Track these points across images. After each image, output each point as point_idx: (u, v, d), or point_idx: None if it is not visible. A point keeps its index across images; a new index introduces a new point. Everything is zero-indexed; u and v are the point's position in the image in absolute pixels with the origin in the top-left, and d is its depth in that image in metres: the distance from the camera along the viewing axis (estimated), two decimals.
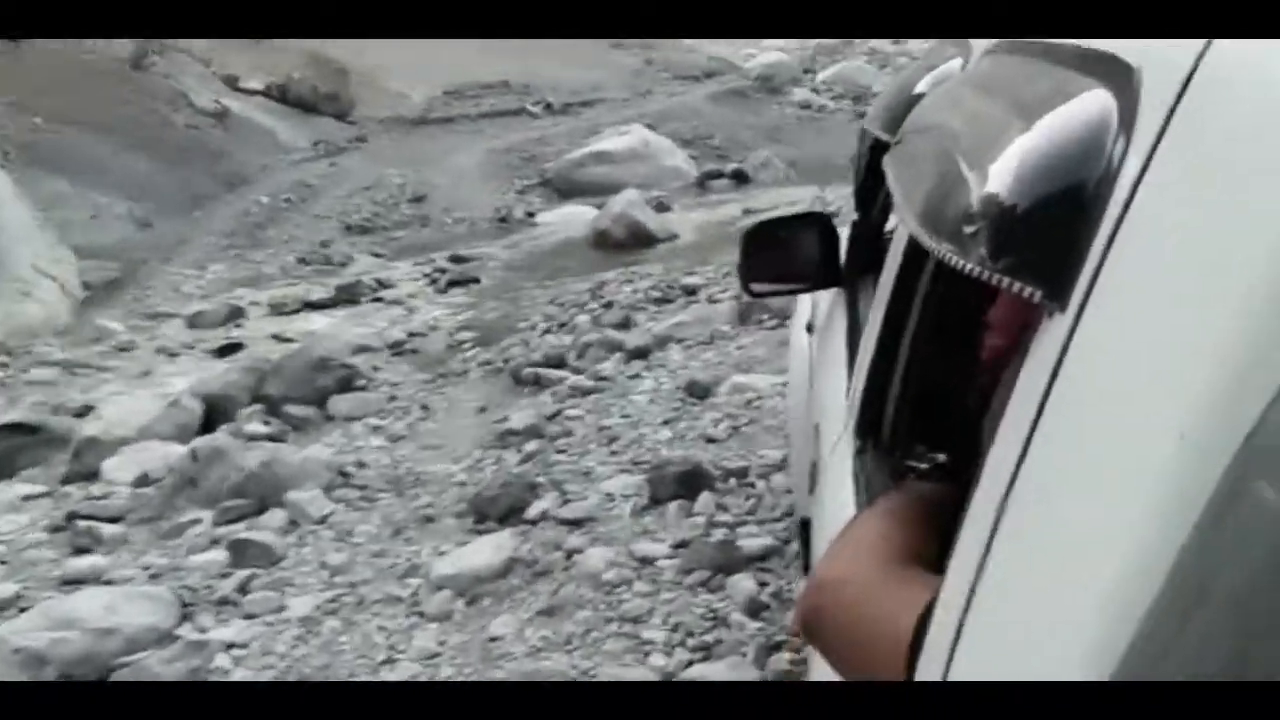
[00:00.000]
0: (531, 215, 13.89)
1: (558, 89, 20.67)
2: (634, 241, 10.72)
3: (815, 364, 2.47)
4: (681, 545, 3.63)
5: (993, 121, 0.85)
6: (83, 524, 4.89)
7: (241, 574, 4.15)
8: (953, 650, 0.68)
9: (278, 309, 10.56)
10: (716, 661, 3.03)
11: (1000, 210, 0.72)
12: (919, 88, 1.47)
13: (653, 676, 3.01)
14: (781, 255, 2.42)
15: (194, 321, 10.04)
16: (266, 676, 3.40)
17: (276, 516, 4.81)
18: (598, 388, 5.67)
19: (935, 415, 1.35)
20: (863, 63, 19.24)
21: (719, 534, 3.69)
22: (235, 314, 10.38)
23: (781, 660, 2.93)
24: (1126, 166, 0.61)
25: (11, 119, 14.53)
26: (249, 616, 3.84)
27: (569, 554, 3.74)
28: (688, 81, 20.37)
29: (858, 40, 22.36)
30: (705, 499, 3.91)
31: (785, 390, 4.94)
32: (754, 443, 4.46)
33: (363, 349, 8.01)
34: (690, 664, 3.05)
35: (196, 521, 4.84)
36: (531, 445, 4.96)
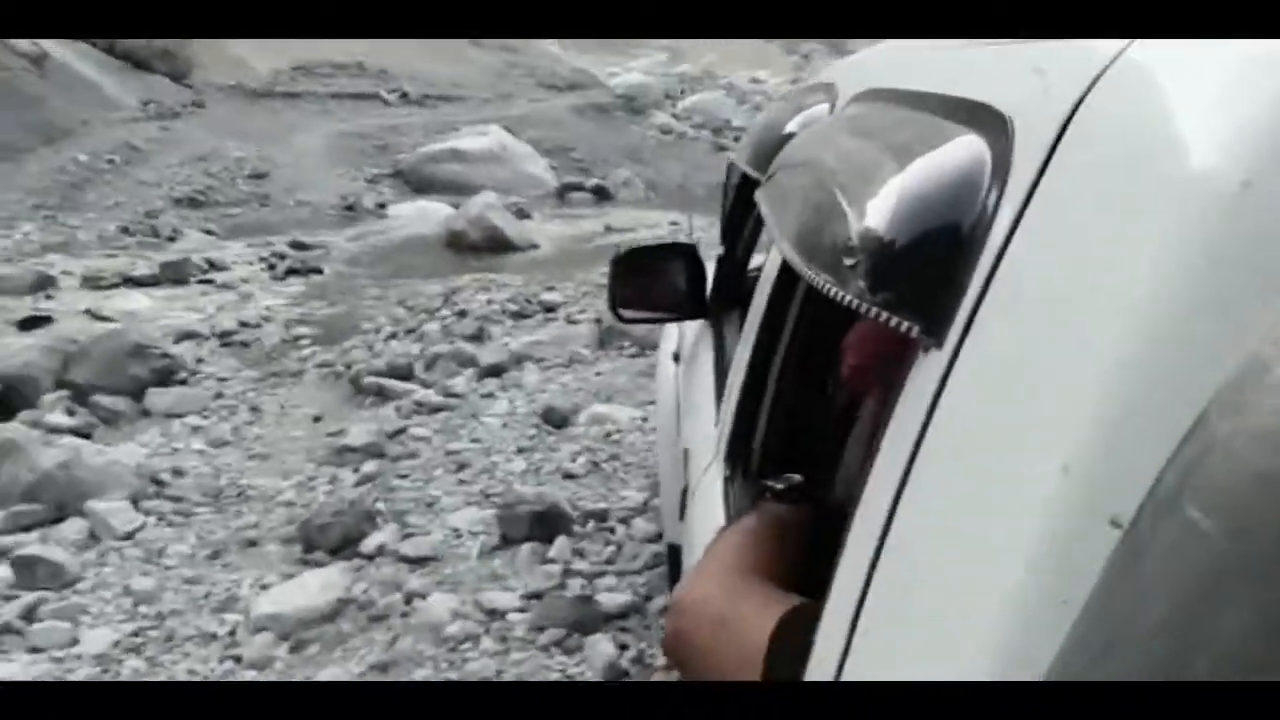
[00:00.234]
0: (382, 206, 13.34)
1: (415, 79, 20.06)
2: (491, 247, 10.40)
3: (683, 392, 2.48)
4: (534, 596, 3.38)
5: (869, 161, 0.85)
6: None
7: (28, 597, 3.63)
8: None
9: (94, 282, 9.68)
10: None
11: (878, 246, 0.72)
12: (789, 127, 1.48)
13: None
14: (651, 283, 2.44)
15: None
16: None
17: (75, 528, 4.28)
18: (447, 405, 5.35)
19: (800, 442, 1.40)
20: (722, 95, 19.63)
21: (575, 585, 3.46)
22: (45, 282, 9.46)
23: None
24: (1003, 208, 0.63)
25: None
26: (33, 650, 3.34)
27: (409, 598, 3.44)
28: (551, 90, 20.17)
29: (719, 72, 22.78)
30: (561, 544, 3.68)
31: (647, 425, 4.80)
32: (614, 481, 4.26)
33: (188, 335, 7.41)
34: None
35: None
36: (371, 465, 4.60)
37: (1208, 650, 0.33)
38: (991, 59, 0.81)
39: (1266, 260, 0.47)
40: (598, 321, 6.47)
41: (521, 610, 3.33)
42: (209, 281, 9.74)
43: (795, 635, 0.78)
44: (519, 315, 7.04)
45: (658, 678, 2.92)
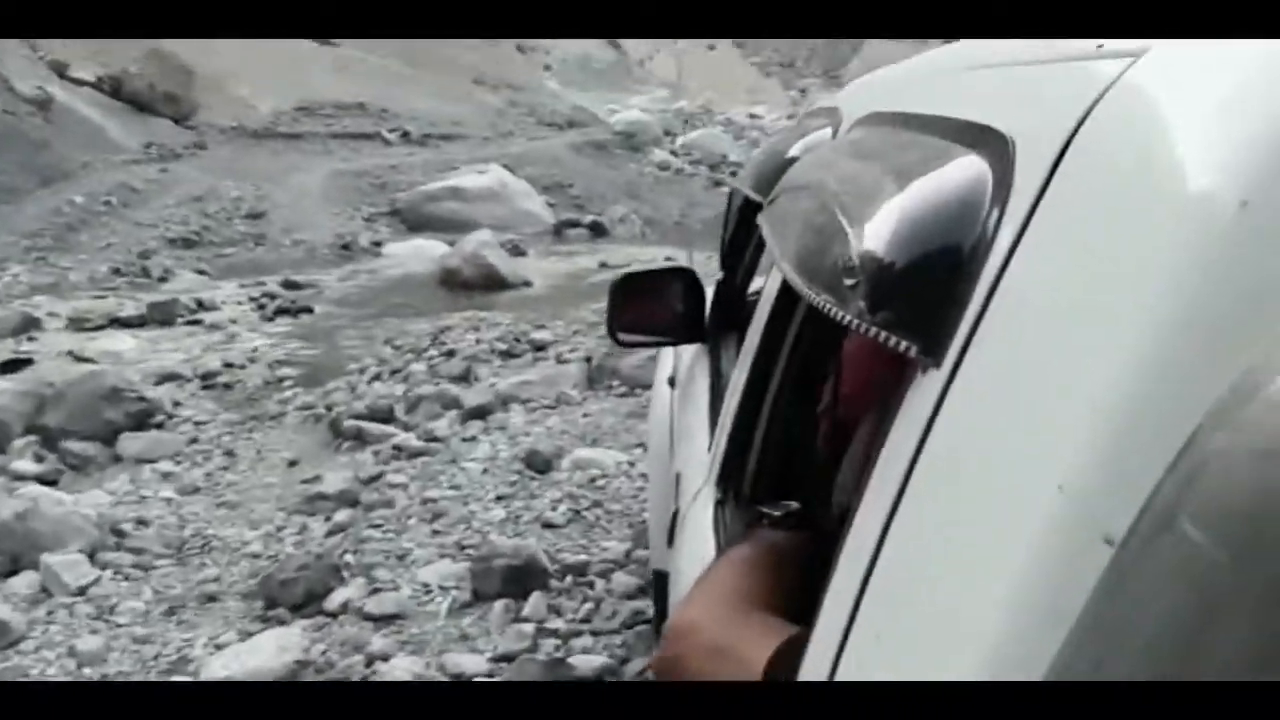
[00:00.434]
0: (378, 244, 13.19)
1: (417, 119, 20.04)
2: (484, 284, 10.21)
3: (677, 416, 2.50)
4: (504, 659, 3.12)
5: (871, 183, 0.85)
6: None
7: None
8: None
9: (79, 323, 9.51)
10: None
11: (878, 266, 0.72)
12: (791, 152, 1.48)
13: None
14: (649, 307, 2.45)
15: None
16: None
17: (26, 581, 4.05)
18: (427, 450, 5.11)
19: (794, 468, 1.39)
20: (720, 131, 19.61)
21: (549, 645, 3.21)
22: (29, 324, 9.29)
23: None
24: (1004, 229, 0.63)
25: None
26: None
27: (370, 660, 3.18)
28: (550, 128, 20.13)
29: (716, 109, 22.82)
30: (536, 600, 3.42)
31: (633, 470, 4.56)
32: (596, 531, 4.01)
33: (169, 377, 7.21)
34: None
35: None
36: (343, 514, 4.36)
37: (1202, 664, 0.33)
38: (993, 82, 0.82)
39: (1264, 279, 0.47)
40: (588, 360, 6.25)
41: (489, 675, 3.07)
42: (197, 322, 9.56)
43: (792, 665, 0.76)
44: (508, 354, 6.81)
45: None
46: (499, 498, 4.38)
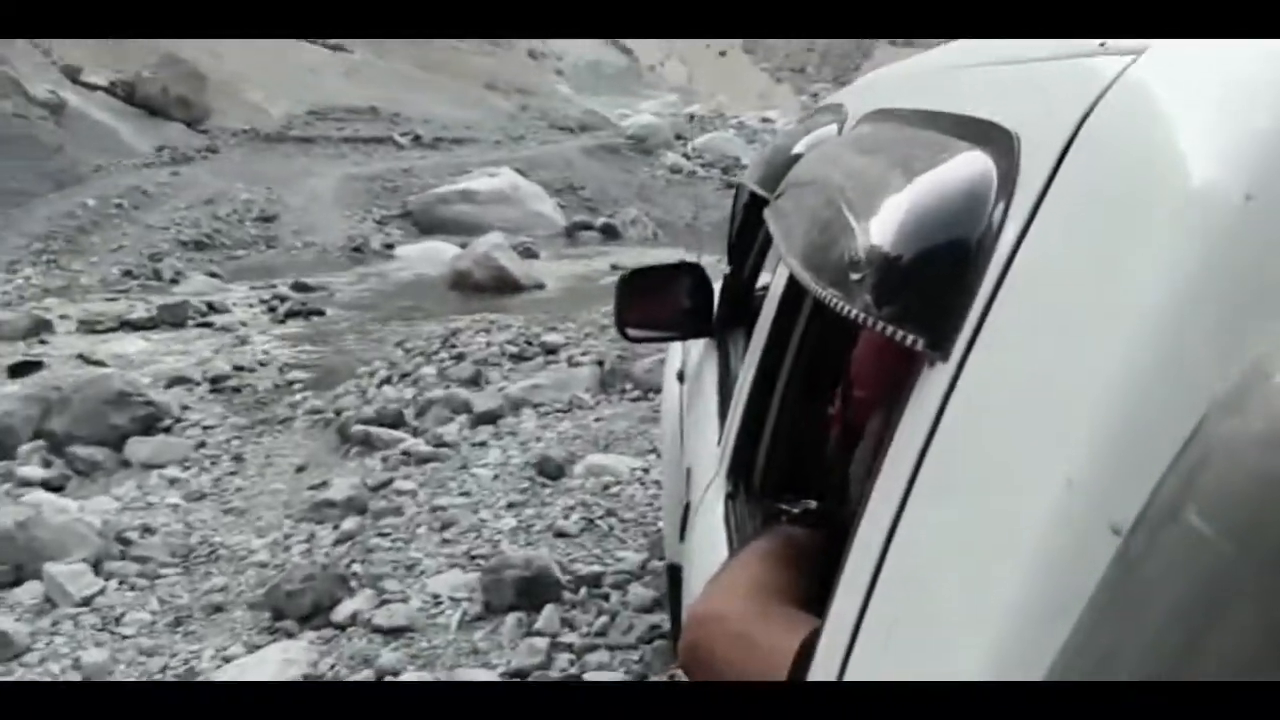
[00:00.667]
0: (389, 247, 13.15)
1: (429, 122, 20.02)
2: (495, 286, 10.14)
3: (687, 411, 2.49)
4: (517, 675, 3.02)
5: (877, 177, 0.86)
6: None
7: None
8: None
9: (90, 326, 9.48)
10: None
11: (885, 260, 0.72)
12: (797, 148, 1.49)
13: None
14: (657, 302, 2.46)
15: None
16: None
17: (31, 592, 3.98)
18: (436, 455, 5.02)
19: (804, 461, 1.39)
20: (732, 134, 19.51)
21: (563, 660, 3.10)
22: (40, 327, 9.26)
23: None
24: (1009, 223, 0.63)
25: None
26: None
27: (379, 676, 3.09)
28: (562, 132, 20.08)
29: (728, 112, 22.73)
30: (549, 613, 3.32)
31: (647, 477, 4.46)
32: (610, 541, 3.91)
33: (179, 380, 7.14)
34: None
35: None
36: (351, 523, 4.27)
37: (1208, 654, 0.33)
38: (997, 78, 0.82)
39: (1268, 273, 0.47)
40: (599, 364, 6.15)
41: None
42: (208, 324, 9.51)
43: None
44: (519, 357, 6.72)
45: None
46: (510, 505, 4.28)
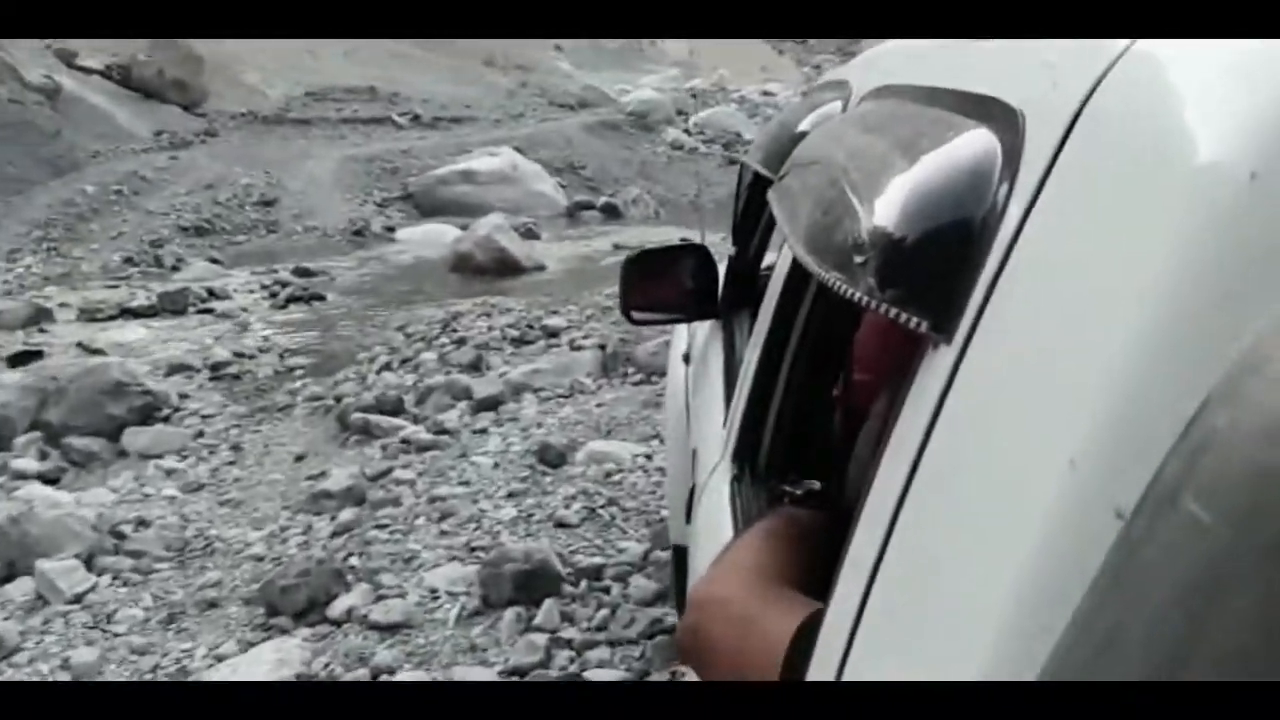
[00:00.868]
0: (390, 230, 13.02)
1: (428, 102, 19.82)
2: (497, 268, 10.02)
3: (692, 393, 2.49)
4: (515, 673, 2.95)
5: (880, 157, 0.85)
6: None
7: None
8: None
9: (91, 314, 9.40)
10: None
11: (888, 242, 0.72)
12: (801, 126, 1.48)
13: None
14: (662, 284, 2.44)
15: None
16: None
17: (22, 589, 3.91)
18: (436, 443, 4.94)
19: (809, 443, 1.40)
20: (734, 109, 19.26)
21: (563, 657, 3.03)
22: (40, 315, 9.17)
23: None
24: (1013, 203, 0.63)
25: None
26: None
27: (374, 675, 3.01)
28: (562, 109, 19.85)
29: (730, 86, 22.48)
30: (549, 607, 3.24)
31: (650, 464, 4.37)
32: (612, 531, 3.83)
33: (179, 368, 7.06)
34: None
35: None
36: (349, 513, 4.19)
37: (1207, 642, 0.33)
38: (1002, 54, 0.81)
39: (1273, 251, 0.46)
40: (602, 347, 6.05)
41: None
42: (209, 311, 9.42)
43: (815, 641, 0.77)
44: (520, 341, 6.62)
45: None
46: (510, 495, 4.20)
